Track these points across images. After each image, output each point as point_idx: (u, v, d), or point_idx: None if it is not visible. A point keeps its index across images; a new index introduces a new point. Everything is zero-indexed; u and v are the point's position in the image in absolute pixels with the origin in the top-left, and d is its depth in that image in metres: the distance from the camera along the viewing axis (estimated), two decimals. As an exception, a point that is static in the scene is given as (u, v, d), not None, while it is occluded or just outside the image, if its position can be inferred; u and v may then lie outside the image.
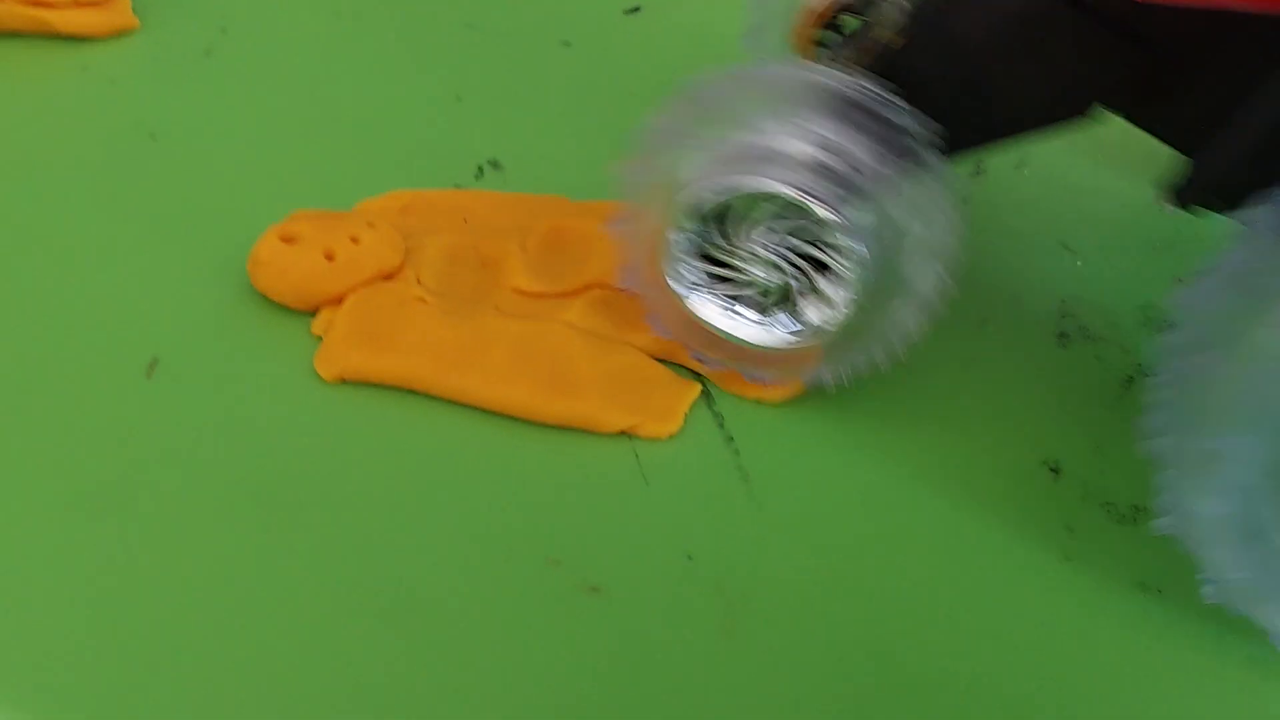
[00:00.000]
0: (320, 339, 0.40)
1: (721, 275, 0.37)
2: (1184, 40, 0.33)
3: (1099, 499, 0.38)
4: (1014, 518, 0.37)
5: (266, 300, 0.40)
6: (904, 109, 0.34)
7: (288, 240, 0.40)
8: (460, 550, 0.35)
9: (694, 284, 0.38)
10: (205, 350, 0.39)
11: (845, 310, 0.36)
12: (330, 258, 0.40)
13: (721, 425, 0.39)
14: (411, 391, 0.38)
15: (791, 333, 0.37)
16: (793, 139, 0.34)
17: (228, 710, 0.30)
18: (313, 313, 0.41)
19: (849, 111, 0.34)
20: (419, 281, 0.41)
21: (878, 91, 0.34)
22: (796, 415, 0.39)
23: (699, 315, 0.38)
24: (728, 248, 0.37)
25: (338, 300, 0.40)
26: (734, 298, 0.38)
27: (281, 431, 0.37)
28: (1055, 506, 0.37)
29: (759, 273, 0.37)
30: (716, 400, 0.39)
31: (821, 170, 0.34)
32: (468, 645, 0.32)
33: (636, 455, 0.37)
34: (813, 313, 0.37)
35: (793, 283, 0.36)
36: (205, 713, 0.30)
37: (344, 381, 0.39)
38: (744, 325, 0.38)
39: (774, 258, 0.36)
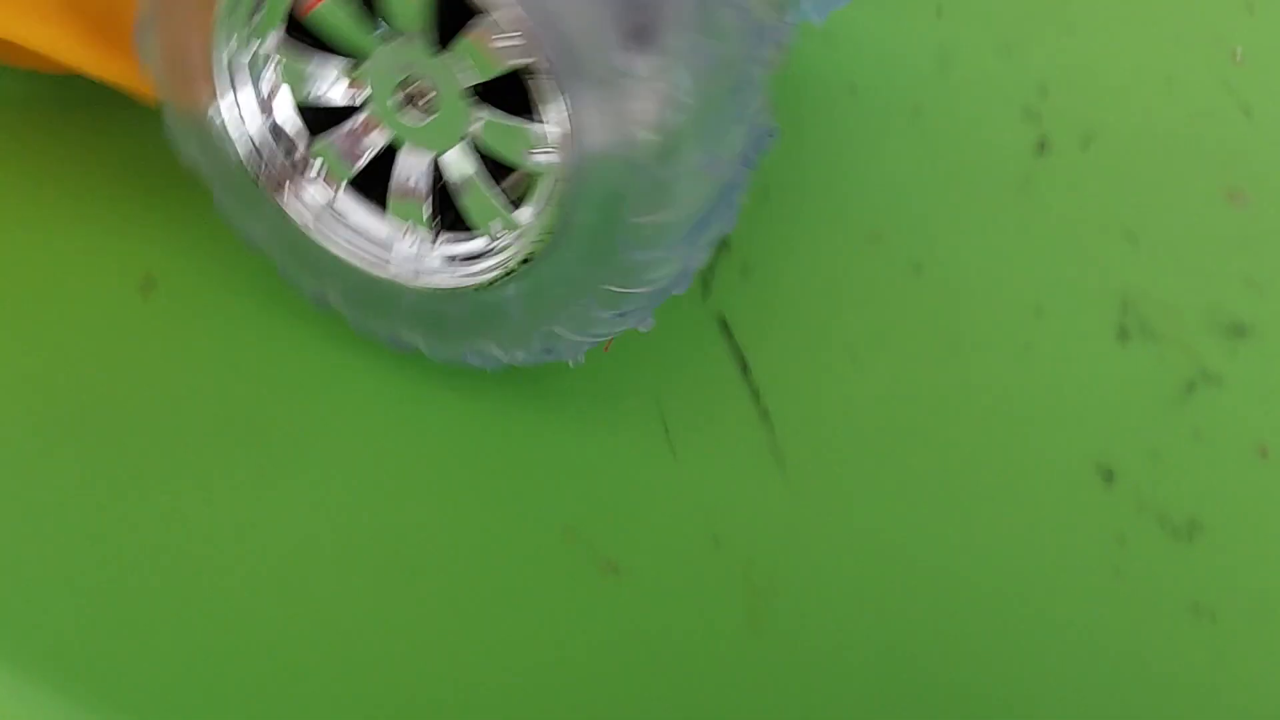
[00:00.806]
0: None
1: None
2: None
3: (1153, 510, 0.35)
4: (1062, 522, 0.35)
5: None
6: None
7: None
8: (470, 509, 0.32)
9: None
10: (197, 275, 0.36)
11: None
12: None
13: (757, 399, 0.36)
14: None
15: None
16: None
17: (209, 663, 0.28)
18: None
19: None
20: None
21: None
22: (838, 395, 0.37)
23: None
24: None
25: None
26: None
27: (275, 371, 0.34)
28: (1107, 515, 0.35)
29: None
30: (753, 372, 0.37)
31: None
32: (472, 614, 0.30)
33: (665, 426, 0.35)
34: None
35: None
36: (182, 661, 0.28)
37: None
38: None
39: None
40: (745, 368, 0.37)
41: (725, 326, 0.38)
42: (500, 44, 0.27)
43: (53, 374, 0.33)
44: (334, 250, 0.32)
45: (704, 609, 0.31)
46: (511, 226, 0.30)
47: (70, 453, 0.32)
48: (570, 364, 0.33)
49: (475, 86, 0.28)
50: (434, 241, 0.31)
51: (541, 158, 0.28)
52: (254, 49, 0.30)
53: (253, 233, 0.33)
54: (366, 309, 0.33)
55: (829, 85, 0.49)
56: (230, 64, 0.30)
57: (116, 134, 0.40)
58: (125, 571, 0.30)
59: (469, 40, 0.27)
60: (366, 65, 0.29)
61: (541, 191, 0.29)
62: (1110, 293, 0.41)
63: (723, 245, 0.40)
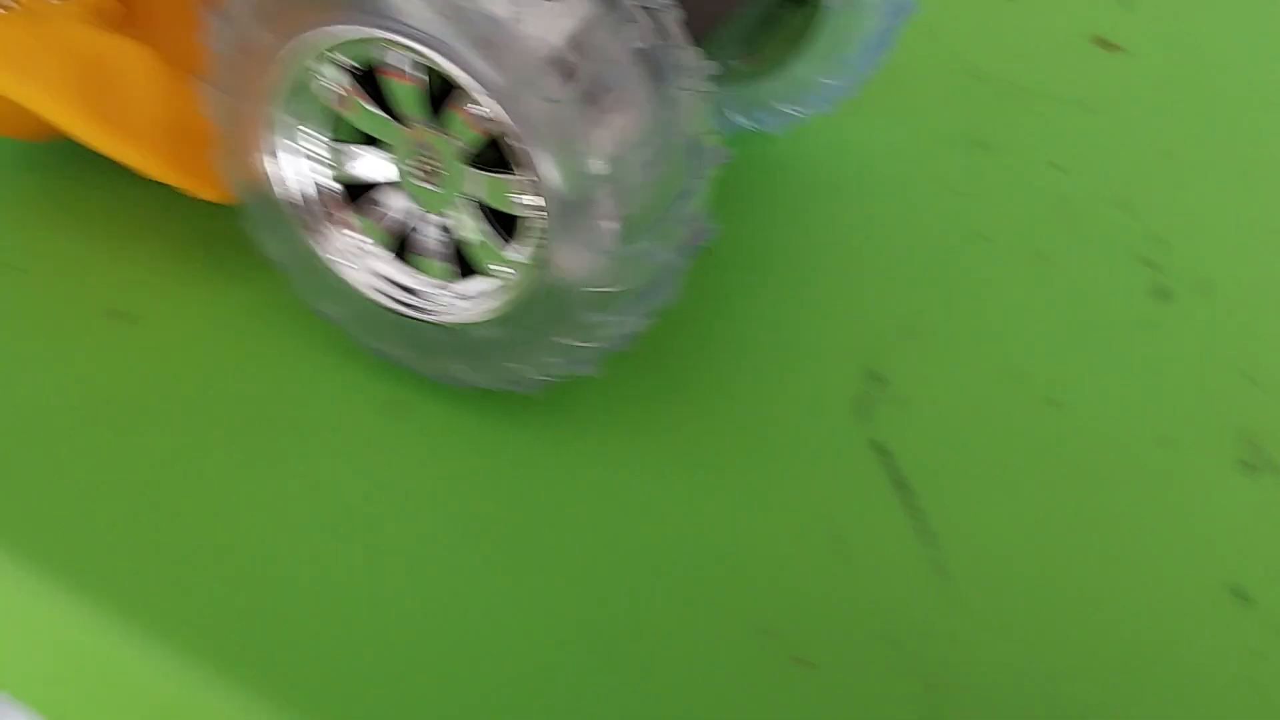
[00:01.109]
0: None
1: None
2: None
3: (1288, 630, 0.39)
4: (1199, 638, 0.38)
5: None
6: None
7: None
8: (674, 608, 0.37)
9: None
10: (444, 400, 0.42)
11: None
12: None
13: (918, 518, 0.41)
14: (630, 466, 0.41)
15: None
16: None
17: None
18: None
19: None
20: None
21: None
22: (991, 516, 0.41)
23: None
24: None
25: None
26: None
27: (520, 486, 0.40)
28: (1242, 633, 0.39)
29: None
30: (913, 494, 0.41)
31: None
32: (676, 705, 0.34)
33: (839, 540, 0.39)
34: None
35: None
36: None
37: None
38: None
39: None
40: (906, 490, 0.42)
41: (885, 452, 0.43)
42: (475, 112, 0.34)
43: (308, 493, 0.39)
44: (354, 283, 0.39)
45: (888, 701, 0.35)
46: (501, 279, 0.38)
47: (331, 563, 0.37)
48: (528, 391, 0.40)
49: (471, 157, 0.36)
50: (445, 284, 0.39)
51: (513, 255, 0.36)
52: (304, 118, 0.38)
53: (279, 255, 0.41)
54: (368, 329, 0.41)
55: (960, 233, 0.54)
56: (281, 125, 0.37)
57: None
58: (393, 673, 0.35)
59: (451, 111, 0.35)
60: (390, 144, 0.37)
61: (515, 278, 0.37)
62: (1233, 429, 0.45)
63: (876, 378, 0.45)
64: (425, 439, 0.40)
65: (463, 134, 0.35)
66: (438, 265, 0.38)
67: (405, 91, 0.36)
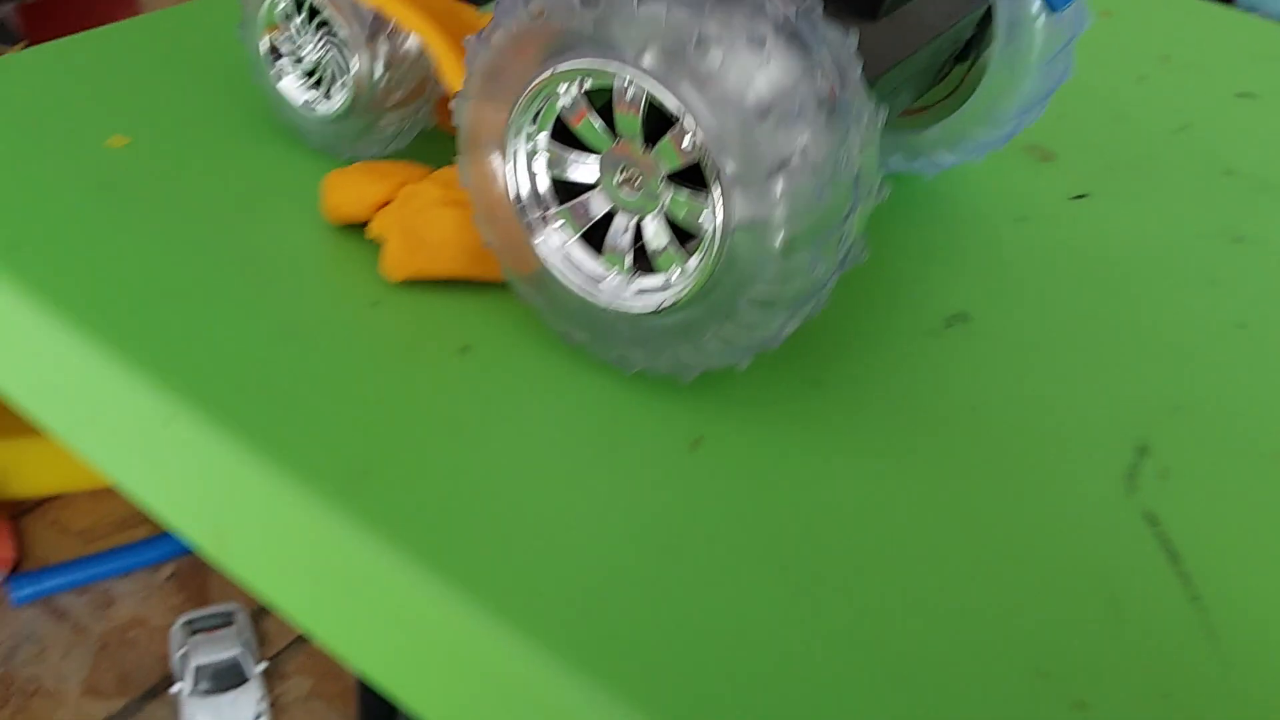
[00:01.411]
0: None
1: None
2: None
3: None
4: None
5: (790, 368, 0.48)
6: None
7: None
8: (960, 645, 0.40)
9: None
10: (743, 434, 0.46)
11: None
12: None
13: (1188, 584, 0.42)
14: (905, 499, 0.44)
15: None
16: None
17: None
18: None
19: None
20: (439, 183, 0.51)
21: None
22: (1263, 588, 0.43)
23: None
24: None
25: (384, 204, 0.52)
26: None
27: (796, 508, 0.43)
28: None
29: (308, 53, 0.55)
30: (1182, 560, 0.43)
31: None
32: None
33: (1112, 599, 0.42)
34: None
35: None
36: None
37: (408, 280, 0.51)
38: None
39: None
40: (1174, 556, 0.44)
41: (1154, 520, 0.45)
42: (685, 144, 0.40)
43: (626, 509, 0.43)
44: (561, 280, 0.46)
45: (1166, 748, 0.37)
46: (683, 276, 0.43)
47: (643, 569, 0.41)
48: (685, 379, 0.46)
49: (670, 175, 0.42)
50: (629, 280, 0.45)
51: (706, 225, 0.41)
52: (531, 136, 0.44)
53: (505, 258, 0.48)
54: (567, 320, 0.47)
55: (1219, 320, 0.56)
56: (514, 143, 0.44)
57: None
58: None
59: (666, 141, 0.41)
60: (603, 157, 0.43)
61: (701, 256, 0.42)
62: None
63: (1144, 451, 0.47)
64: (721, 469, 0.45)
65: (629, 126, 0.41)
66: (671, 253, 0.44)
67: (588, 127, 0.43)
